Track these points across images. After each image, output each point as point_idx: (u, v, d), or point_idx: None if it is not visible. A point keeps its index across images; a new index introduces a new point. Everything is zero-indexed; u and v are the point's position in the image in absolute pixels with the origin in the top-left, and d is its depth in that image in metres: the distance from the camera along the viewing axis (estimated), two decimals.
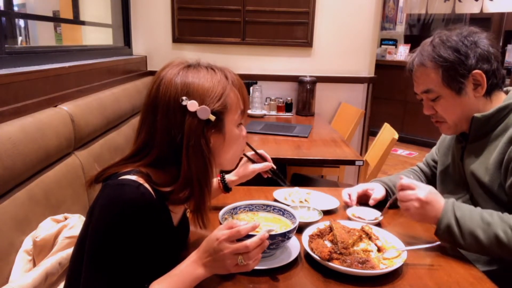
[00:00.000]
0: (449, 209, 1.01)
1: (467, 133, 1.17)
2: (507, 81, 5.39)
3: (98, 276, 0.74)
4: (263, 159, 1.21)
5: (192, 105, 0.80)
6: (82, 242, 0.78)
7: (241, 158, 1.21)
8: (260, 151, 1.21)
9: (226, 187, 1.20)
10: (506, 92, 1.15)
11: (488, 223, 0.97)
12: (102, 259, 0.74)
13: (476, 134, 1.14)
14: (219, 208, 1.06)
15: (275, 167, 1.22)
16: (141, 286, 0.78)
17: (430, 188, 1.04)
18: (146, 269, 0.82)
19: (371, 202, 1.28)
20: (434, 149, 1.44)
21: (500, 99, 1.13)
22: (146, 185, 0.78)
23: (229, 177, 1.21)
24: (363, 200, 1.32)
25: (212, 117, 0.82)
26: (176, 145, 0.81)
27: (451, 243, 1.03)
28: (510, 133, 1.06)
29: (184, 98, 0.80)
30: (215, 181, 1.22)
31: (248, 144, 1.20)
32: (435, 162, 1.40)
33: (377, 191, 1.31)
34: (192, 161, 0.81)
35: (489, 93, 1.11)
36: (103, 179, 0.83)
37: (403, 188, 1.05)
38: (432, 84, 1.12)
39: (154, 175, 0.83)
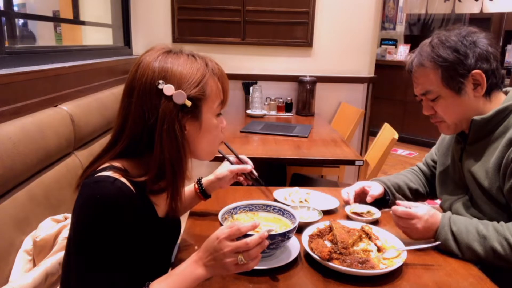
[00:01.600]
0: (445, 224, 1.03)
1: (466, 134, 1.17)
2: (507, 81, 5.40)
3: (88, 276, 0.74)
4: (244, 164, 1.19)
5: (168, 89, 0.79)
6: (69, 244, 0.78)
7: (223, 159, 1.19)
8: (241, 156, 1.20)
9: (203, 192, 1.16)
10: (506, 93, 1.15)
11: (484, 237, 0.98)
12: (88, 258, 0.74)
13: (475, 136, 1.14)
14: (219, 208, 1.06)
15: (255, 173, 1.19)
16: (141, 285, 0.78)
17: (427, 214, 1.04)
18: (139, 263, 0.82)
19: (368, 199, 1.29)
20: (433, 149, 1.44)
21: (500, 100, 1.12)
22: (122, 179, 0.77)
23: (205, 178, 1.17)
24: (362, 198, 1.32)
25: (188, 103, 0.81)
26: (149, 129, 0.80)
27: (452, 254, 1.04)
28: (509, 135, 1.06)
29: (160, 81, 0.79)
30: (192, 187, 1.17)
31: (228, 146, 1.19)
32: (435, 162, 1.40)
33: (374, 189, 1.31)
34: (165, 145, 0.80)
35: (488, 93, 1.11)
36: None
37: (401, 217, 1.05)
38: (432, 85, 1.12)
39: (129, 166, 0.83)
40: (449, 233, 1.02)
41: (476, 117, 1.10)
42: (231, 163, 1.19)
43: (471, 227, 1.01)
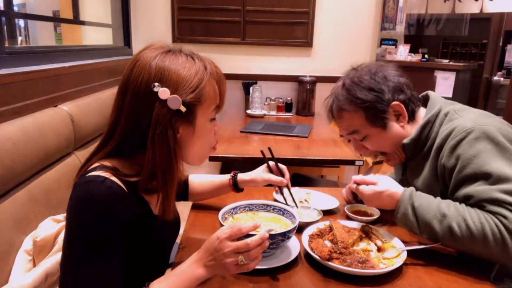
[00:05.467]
0: (406, 197, 1.02)
1: None
2: (507, 81, 5.38)
3: (83, 276, 0.74)
4: (281, 173, 1.22)
5: (163, 92, 0.77)
6: (64, 245, 0.78)
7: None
8: (281, 166, 1.23)
9: (236, 185, 1.21)
10: (425, 101, 1.19)
11: (444, 215, 0.96)
12: (82, 259, 0.74)
13: (412, 154, 1.17)
14: (219, 208, 1.06)
15: (290, 186, 1.23)
16: (141, 284, 0.78)
17: (375, 189, 1.04)
18: (136, 262, 0.82)
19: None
20: None
21: (421, 116, 1.16)
22: (113, 178, 0.77)
23: (241, 176, 1.22)
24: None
25: (183, 108, 0.79)
26: (142, 130, 0.78)
27: (408, 230, 1.05)
28: (435, 145, 1.08)
29: (156, 84, 0.77)
30: (227, 178, 1.22)
31: (271, 152, 1.25)
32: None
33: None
34: (157, 149, 0.78)
35: (412, 117, 1.15)
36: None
37: (359, 183, 1.06)
38: (357, 126, 1.15)
39: (121, 166, 0.82)
40: (409, 206, 1.00)
41: (405, 141, 1.14)
42: (270, 167, 1.22)
43: (433, 205, 0.99)
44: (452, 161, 1.01)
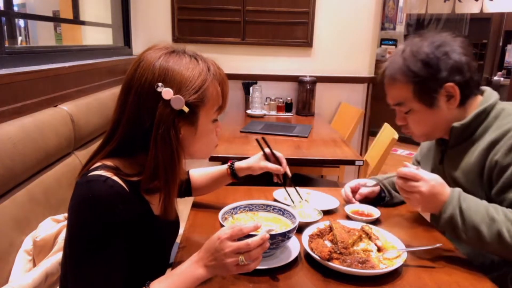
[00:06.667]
0: (454, 199, 0.97)
1: (446, 138, 1.15)
2: (507, 81, 5.38)
3: (84, 276, 0.74)
4: (278, 162, 1.22)
5: (167, 93, 0.77)
6: (65, 245, 0.78)
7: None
8: (278, 154, 1.22)
9: (234, 173, 1.21)
10: (482, 93, 1.12)
11: (493, 219, 0.93)
12: (83, 258, 0.74)
13: (455, 141, 1.12)
14: (219, 208, 1.06)
15: (289, 174, 1.23)
16: (141, 284, 0.78)
17: (434, 179, 0.97)
18: (136, 261, 0.82)
19: (357, 196, 1.29)
20: (418, 149, 1.42)
21: (476, 103, 1.10)
22: (115, 177, 0.77)
23: (238, 163, 1.22)
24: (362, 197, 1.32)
25: (186, 109, 0.80)
26: (144, 130, 0.79)
27: (452, 234, 1.00)
28: (488, 138, 1.04)
29: (160, 84, 0.78)
30: (225, 167, 1.22)
31: (266, 142, 1.24)
32: (419, 162, 1.39)
33: (367, 187, 1.31)
34: (159, 149, 0.79)
35: (463, 102, 1.08)
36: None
37: (406, 177, 0.99)
38: (404, 98, 1.10)
39: (122, 165, 0.82)
40: (457, 208, 0.95)
41: (455, 124, 1.08)
42: (266, 155, 1.21)
43: (481, 207, 0.95)
44: (508, 159, 0.98)
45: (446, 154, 1.17)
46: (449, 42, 1.05)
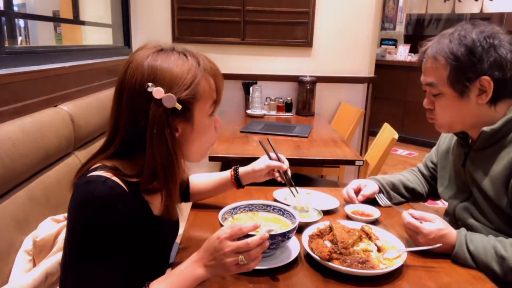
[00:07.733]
0: (462, 243, 0.99)
1: (469, 138, 1.14)
2: None
3: (84, 276, 0.74)
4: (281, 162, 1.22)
5: (157, 92, 0.77)
6: (65, 245, 0.78)
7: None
8: (280, 155, 1.23)
9: (238, 181, 1.20)
10: None
11: (503, 257, 0.94)
12: (83, 258, 0.74)
13: (482, 145, 1.09)
14: (219, 208, 1.06)
15: (289, 173, 1.23)
16: (141, 284, 0.78)
17: (435, 231, 0.99)
18: (136, 262, 0.82)
19: (359, 198, 1.29)
20: (433, 150, 1.41)
21: (507, 107, 1.06)
22: (114, 178, 0.77)
23: (242, 168, 1.21)
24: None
25: (179, 106, 0.79)
26: (140, 131, 0.78)
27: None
28: None
29: (150, 84, 0.77)
30: (228, 173, 1.22)
31: (270, 143, 1.26)
32: (434, 164, 1.38)
33: (368, 187, 1.31)
34: (156, 149, 0.78)
35: (494, 101, 1.04)
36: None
37: (409, 227, 1.03)
38: (437, 79, 1.06)
39: (122, 166, 0.82)
40: (467, 252, 0.98)
41: (485, 128, 1.05)
42: (270, 158, 1.22)
43: (488, 247, 0.97)
44: None
45: (469, 156, 1.13)
46: (499, 36, 1.02)
